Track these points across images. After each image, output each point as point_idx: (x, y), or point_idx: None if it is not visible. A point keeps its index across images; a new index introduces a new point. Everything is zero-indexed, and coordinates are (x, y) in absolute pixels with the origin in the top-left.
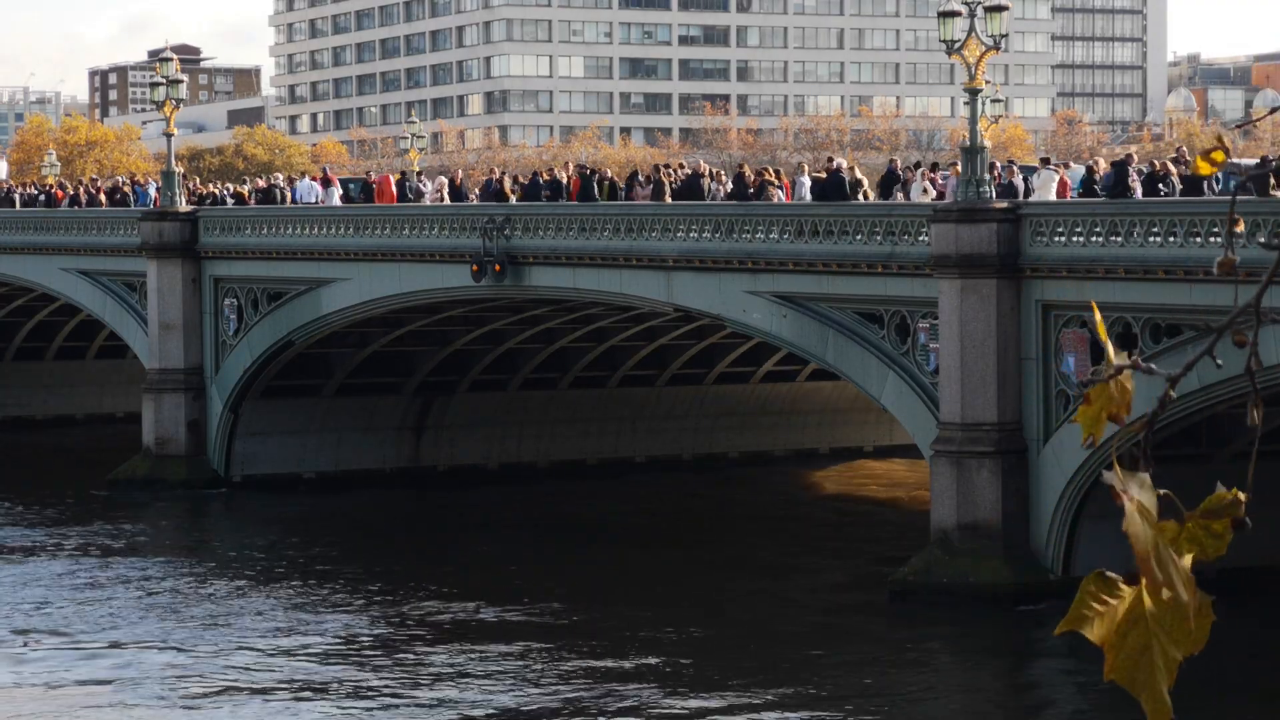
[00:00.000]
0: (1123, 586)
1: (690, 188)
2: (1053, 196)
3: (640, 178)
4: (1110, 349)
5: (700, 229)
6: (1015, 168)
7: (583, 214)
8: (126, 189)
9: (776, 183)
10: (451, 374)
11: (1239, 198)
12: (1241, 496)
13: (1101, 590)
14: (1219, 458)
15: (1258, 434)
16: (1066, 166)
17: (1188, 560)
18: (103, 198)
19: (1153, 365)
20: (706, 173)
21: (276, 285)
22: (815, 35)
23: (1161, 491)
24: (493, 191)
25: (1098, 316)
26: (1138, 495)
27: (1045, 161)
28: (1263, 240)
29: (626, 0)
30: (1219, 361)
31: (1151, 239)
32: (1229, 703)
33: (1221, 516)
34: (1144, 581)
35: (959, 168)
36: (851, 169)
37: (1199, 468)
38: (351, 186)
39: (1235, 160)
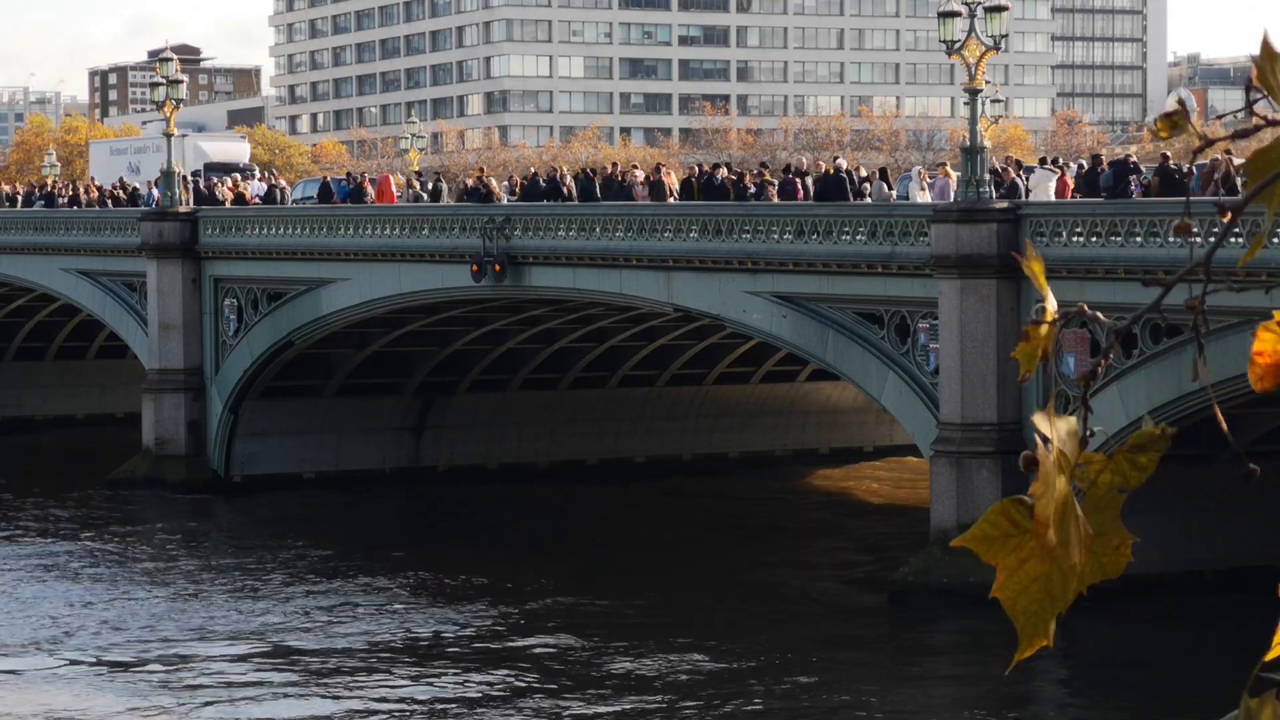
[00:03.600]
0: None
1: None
2: (1051, 196)
3: (642, 176)
4: (1049, 295)
5: (700, 229)
6: (1021, 168)
7: (583, 214)
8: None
9: (774, 182)
10: (451, 374)
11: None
12: (1170, 430)
13: (1014, 515)
14: (1219, 458)
15: (1210, 385)
16: (1065, 166)
17: (1108, 491)
18: (109, 202)
19: (1099, 314)
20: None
21: (276, 285)
22: (815, 35)
23: (1096, 429)
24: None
25: (1037, 268)
26: (1061, 442)
27: (1042, 162)
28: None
29: (626, 0)
30: (1164, 318)
31: (1152, 239)
32: (1223, 699)
33: (1148, 451)
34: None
35: (948, 168)
36: (857, 168)
37: (1199, 468)
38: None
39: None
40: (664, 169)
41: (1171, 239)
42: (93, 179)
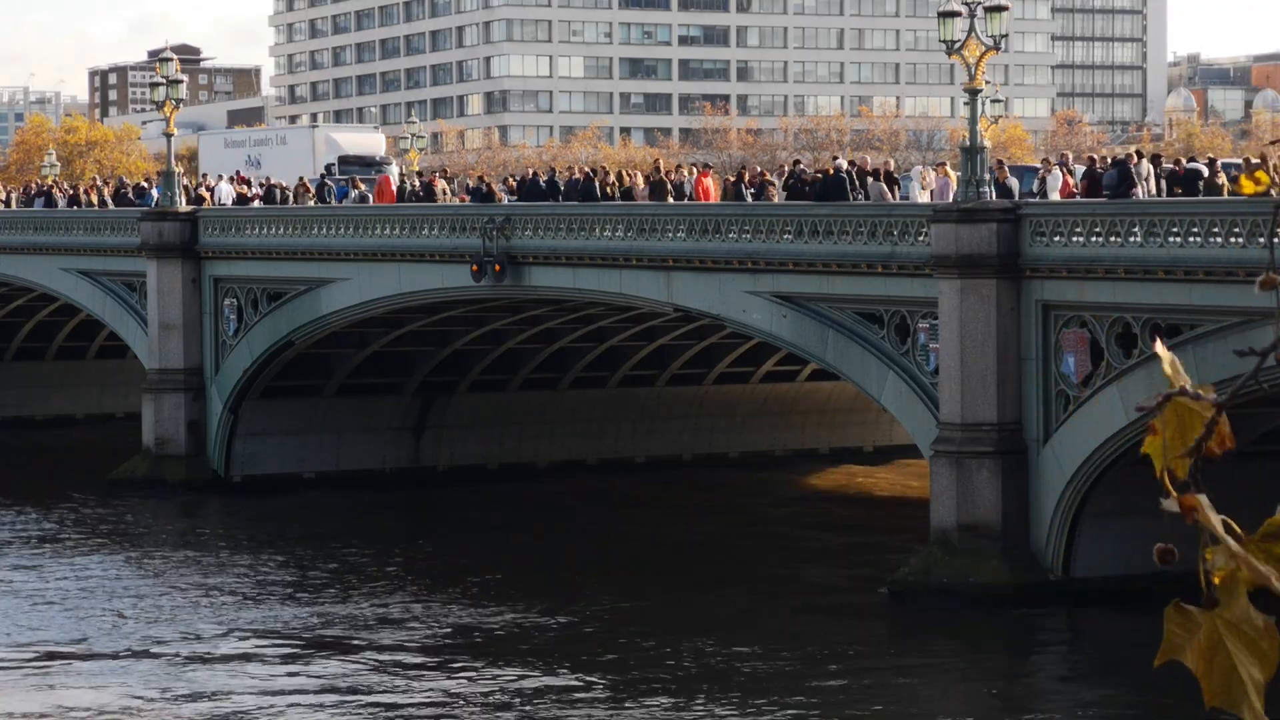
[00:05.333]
0: (1197, 614)
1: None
2: (1058, 196)
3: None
4: (1170, 370)
5: (700, 229)
6: (1006, 169)
7: (583, 214)
8: (146, 187)
9: (776, 182)
10: (451, 374)
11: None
12: None
13: (1183, 620)
14: (1220, 458)
15: None
16: (1065, 166)
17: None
18: (108, 198)
19: (1199, 392)
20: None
21: (276, 285)
22: (815, 35)
23: (1222, 518)
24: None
25: (1166, 357)
26: (1207, 514)
27: (1048, 161)
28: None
29: (626, 0)
30: (1264, 385)
31: (1151, 239)
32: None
33: None
34: (1217, 608)
35: (947, 168)
36: (863, 165)
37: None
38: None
39: None
40: (709, 170)
41: (1171, 239)
42: (204, 176)
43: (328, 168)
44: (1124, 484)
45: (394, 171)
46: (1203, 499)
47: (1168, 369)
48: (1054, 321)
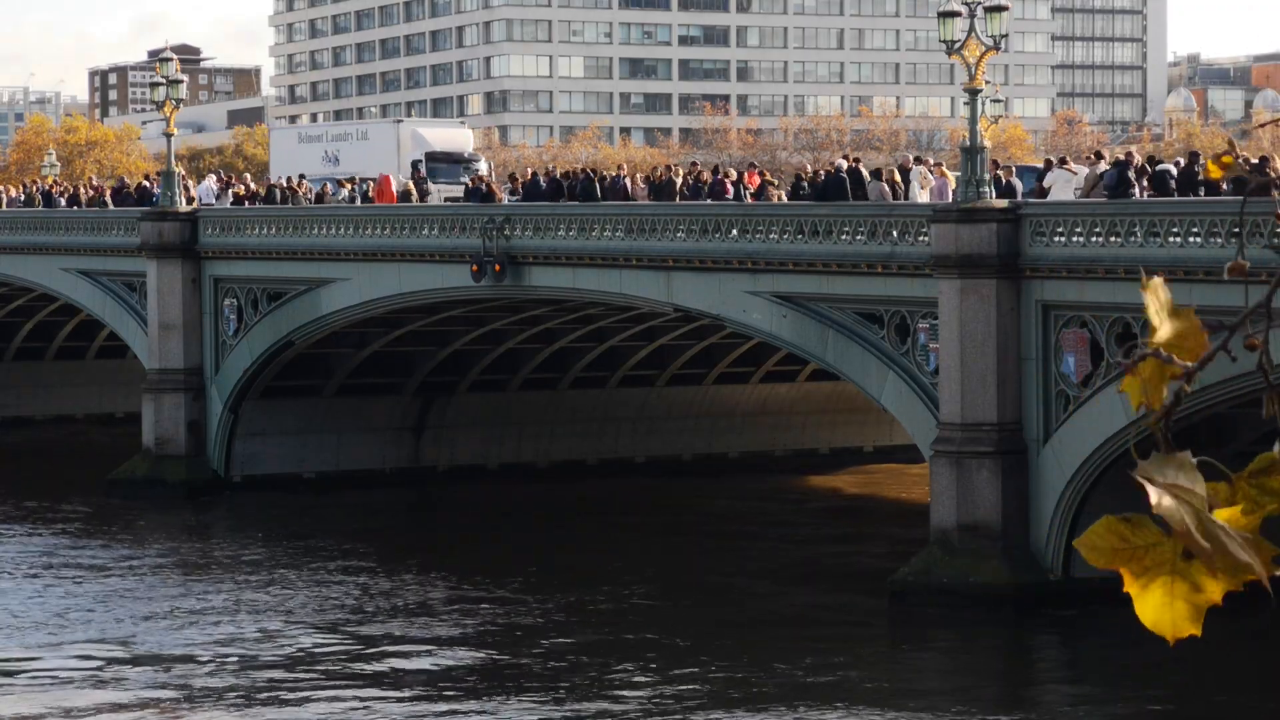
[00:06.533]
0: (1156, 532)
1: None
2: (1069, 196)
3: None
4: (1156, 320)
5: (700, 229)
6: (1012, 169)
7: (583, 214)
8: (148, 184)
9: (775, 182)
10: (451, 374)
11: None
12: None
13: (1123, 532)
14: (1219, 458)
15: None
16: (1063, 163)
17: (1243, 517)
18: (108, 198)
19: (1173, 355)
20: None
21: (276, 285)
22: (815, 35)
23: (1202, 458)
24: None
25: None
26: (1176, 478)
27: (1063, 161)
28: (1273, 244)
29: (626, 0)
30: (1234, 356)
31: (1151, 239)
32: (1222, 698)
33: (1274, 475)
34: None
35: (944, 168)
36: (857, 165)
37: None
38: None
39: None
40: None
41: (1171, 239)
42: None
43: (414, 164)
44: (1124, 484)
45: (484, 168)
46: (1182, 457)
47: (1151, 307)
48: (1054, 321)
